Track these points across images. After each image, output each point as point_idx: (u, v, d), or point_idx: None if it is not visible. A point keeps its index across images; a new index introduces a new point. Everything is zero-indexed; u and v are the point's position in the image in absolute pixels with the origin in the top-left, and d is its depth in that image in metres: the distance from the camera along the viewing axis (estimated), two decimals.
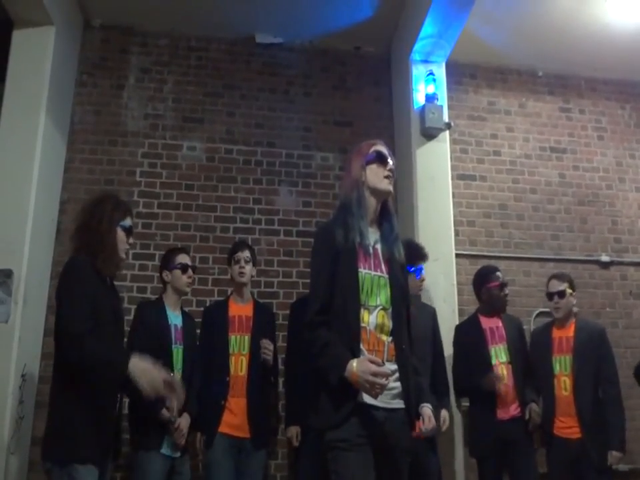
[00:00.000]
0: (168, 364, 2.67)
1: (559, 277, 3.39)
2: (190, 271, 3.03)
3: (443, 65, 4.23)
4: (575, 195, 4.56)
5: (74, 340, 2.02)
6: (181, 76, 4.25)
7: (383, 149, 2.15)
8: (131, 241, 2.32)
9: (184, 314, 3.07)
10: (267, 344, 3.02)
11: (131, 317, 3.07)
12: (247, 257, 3.16)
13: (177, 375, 2.80)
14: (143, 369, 1.97)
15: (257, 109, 4.29)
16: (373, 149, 2.14)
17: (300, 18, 4.25)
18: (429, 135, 3.97)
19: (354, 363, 1.82)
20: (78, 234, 2.23)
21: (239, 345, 3.06)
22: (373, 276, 1.98)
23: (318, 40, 4.46)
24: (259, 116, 4.28)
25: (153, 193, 3.97)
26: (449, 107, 4.21)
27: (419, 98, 4.08)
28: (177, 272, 3.00)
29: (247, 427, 2.96)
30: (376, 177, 2.07)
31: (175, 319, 2.97)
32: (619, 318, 4.33)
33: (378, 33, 4.40)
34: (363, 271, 1.97)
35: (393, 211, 2.16)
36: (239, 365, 3.02)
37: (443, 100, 4.11)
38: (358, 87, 4.49)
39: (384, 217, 2.12)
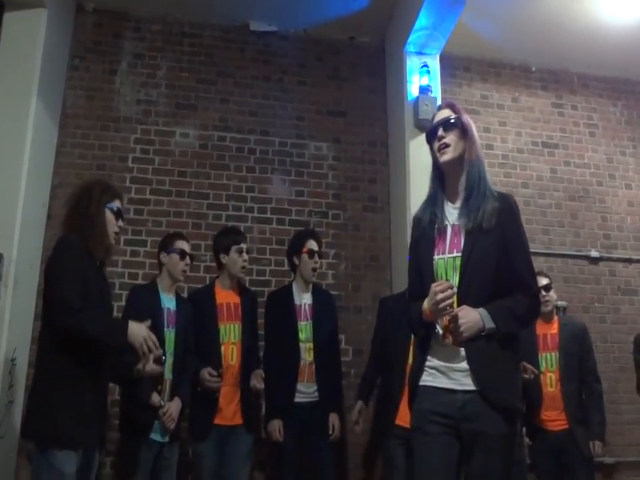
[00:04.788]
0: (160, 347, 2.64)
1: (541, 273, 3.45)
2: (187, 259, 3.01)
3: (437, 57, 4.23)
4: (566, 191, 4.59)
5: (71, 311, 2.03)
6: (174, 62, 4.22)
7: (435, 119, 2.02)
8: (120, 223, 2.34)
9: (178, 298, 3.04)
10: (257, 381, 2.98)
11: (123, 303, 3.07)
12: (247, 247, 3.17)
13: (169, 358, 2.81)
14: (137, 328, 2.13)
15: (251, 96, 4.27)
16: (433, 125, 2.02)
17: (295, 6, 4.22)
18: (422, 126, 3.95)
19: (424, 303, 1.84)
20: (68, 218, 2.27)
21: (228, 333, 3.03)
22: (446, 259, 1.88)
23: (313, 29, 4.44)
24: (253, 104, 4.25)
25: (145, 179, 3.95)
26: (442, 100, 4.22)
27: (413, 89, 4.08)
28: (175, 256, 2.97)
29: (240, 415, 2.96)
30: (435, 154, 1.99)
31: (168, 302, 2.94)
32: (607, 313, 4.38)
33: (373, 23, 4.39)
34: (436, 257, 1.91)
35: (479, 169, 1.93)
36: (229, 354, 3.00)
37: (436, 92, 4.11)
38: (352, 77, 4.48)
39: (470, 183, 1.93)
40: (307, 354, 3.10)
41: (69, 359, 2.06)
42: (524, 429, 3.21)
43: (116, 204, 2.32)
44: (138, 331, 2.14)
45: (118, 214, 2.32)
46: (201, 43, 4.30)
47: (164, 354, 2.65)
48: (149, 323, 2.22)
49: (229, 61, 4.30)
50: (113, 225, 2.29)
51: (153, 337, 2.17)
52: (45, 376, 2.09)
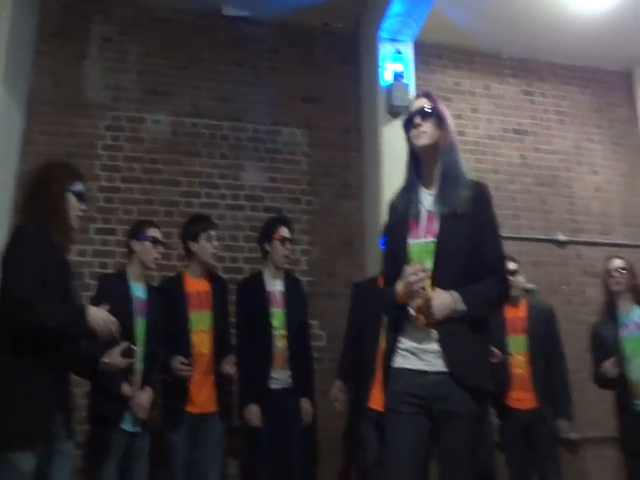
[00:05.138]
0: (130, 336, 2.62)
1: (508, 258, 3.51)
2: (160, 247, 2.97)
3: (411, 44, 4.24)
4: (535, 176, 4.69)
5: (27, 303, 1.94)
6: (145, 47, 4.14)
7: (411, 106, 2.04)
8: (83, 207, 2.24)
9: (149, 286, 2.99)
10: (229, 367, 3.00)
11: (92, 293, 3.03)
12: (216, 234, 3.15)
13: (139, 347, 2.76)
14: (96, 312, 2.09)
15: (223, 82, 4.23)
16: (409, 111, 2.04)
17: None
18: (396, 113, 3.98)
19: (397, 285, 1.89)
20: (26, 205, 2.14)
21: (198, 321, 3.00)
22: (421, 244, 1.92)
23: (286, 14, 4.39)
24: (225, 90, 4.22)
25: (116, 166, 3.89)
26: (416, 86, 4.23)
27: (386, 76, 4.10)
28: (148, 244, 2.91)
29: (213, 402, 2.95)
30: (411, 138, 2.01)
31: (137, 291, 2.88)
32: (573, 295, 4.51)
33: (346, 9, 4.38)
34: (410, 242, 1.94)
35: (454, 156, 1.98)
36: (200, 342, 2.98)
37: (409, 79, 4.14)
38: (326, 64, 4.47)
39: (445, 171, 1.98)
40: (279, 341, 3.10)
41: (26, 353, 1.97)
42: (492, 410, 3.30)
43: (78, 186, 2.21)
44: (97, 314, 2.07)
45: (80, 197, 2.21)
46: (172, 28, 4.23)
47: (134, 344, 2.62)
48: (107, 307, 2.15)
49: (200, 46, 4.25)
50: (76, 209, 2.19)
51: (114, 320, 2.11)
52: (1, 373, 1.99)
